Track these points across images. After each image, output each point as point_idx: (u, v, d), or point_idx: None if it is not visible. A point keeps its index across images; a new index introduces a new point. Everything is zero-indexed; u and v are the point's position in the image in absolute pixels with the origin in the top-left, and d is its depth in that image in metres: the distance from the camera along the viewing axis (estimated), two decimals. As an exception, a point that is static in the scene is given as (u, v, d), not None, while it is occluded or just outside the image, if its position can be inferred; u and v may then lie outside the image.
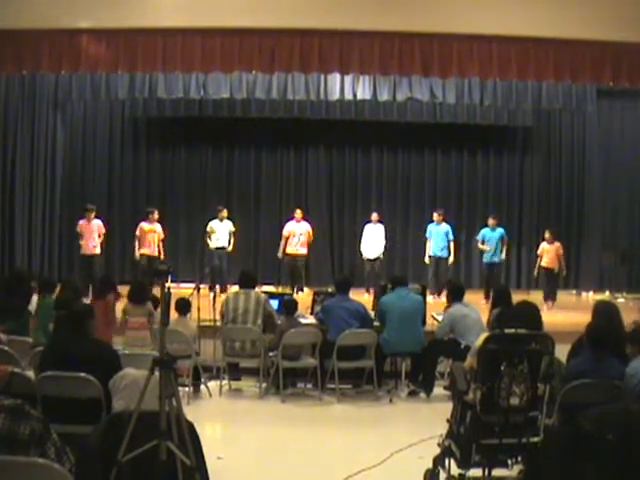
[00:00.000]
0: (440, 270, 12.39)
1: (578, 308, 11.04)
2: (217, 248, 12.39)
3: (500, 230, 12.24)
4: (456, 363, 5.16)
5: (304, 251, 12.62)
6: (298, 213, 12.64)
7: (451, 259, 12.45)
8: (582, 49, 9.92)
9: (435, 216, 12.49)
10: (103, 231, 12.01)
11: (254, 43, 9.81)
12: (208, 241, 12.43)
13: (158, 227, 12.18)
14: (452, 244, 12.45)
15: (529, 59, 9.96)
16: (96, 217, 11.94)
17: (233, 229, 12.54)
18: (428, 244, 12.45)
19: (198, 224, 14.05)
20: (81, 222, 11.87)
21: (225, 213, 12.51)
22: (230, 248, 12.47)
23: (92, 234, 11.80)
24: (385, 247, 12.93)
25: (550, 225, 13.13)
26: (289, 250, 12.51)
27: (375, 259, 12.79)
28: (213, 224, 12.44)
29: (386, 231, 12.96)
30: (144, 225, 12.07)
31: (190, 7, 9.60)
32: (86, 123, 13.99)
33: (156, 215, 12.18)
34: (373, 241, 12.83)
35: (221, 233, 12.41)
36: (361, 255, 12.97)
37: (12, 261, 13.01)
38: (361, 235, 13.01)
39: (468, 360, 4.63)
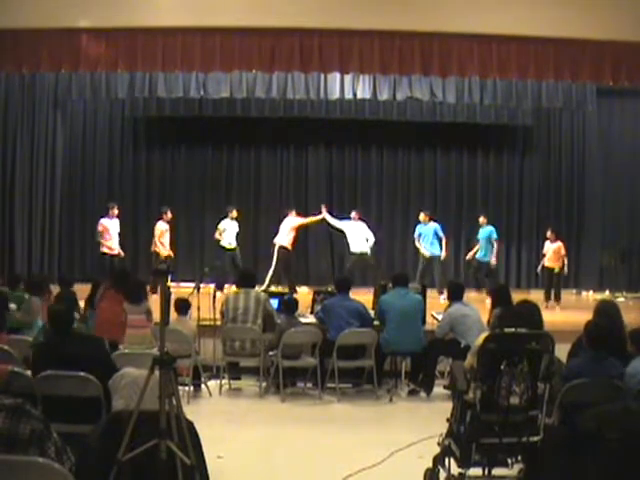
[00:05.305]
0: (434, 268, 12.31)
1: (578, 307, 11.05)
2: (227, 248, 12.28)
3: (489, 229, 12.18)
4: (456, 362, 5.15)
5: None
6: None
7: (443, 255, 12.33)
8: (582, 49, 9.91)
9: (422, 216, 12.41)
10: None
11: (254, 43, 9.80)
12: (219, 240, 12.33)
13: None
14: (443, 241, 12.33)
15: (529, 59, 9.95)
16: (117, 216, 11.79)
17: (237, 230, 12.46)
18: (417, 244, 12.41)
19: (197, 224, 14.07)
20: (103, 220, 11.65)
21: (235, 213, 12.42)
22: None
23: (115, 233, 11.62)
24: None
25: (550, 224, 13.11)
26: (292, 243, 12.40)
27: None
28: (224, 224, 12.32)
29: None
30: (163, 225, 11.94)
31: (190, 7, 9.60)
32: (86, 123, 14.00)
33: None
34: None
35: (230, 233, 12.32)
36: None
37: (12, 261, 13.01)
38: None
39: (468, 359, 4.63)
